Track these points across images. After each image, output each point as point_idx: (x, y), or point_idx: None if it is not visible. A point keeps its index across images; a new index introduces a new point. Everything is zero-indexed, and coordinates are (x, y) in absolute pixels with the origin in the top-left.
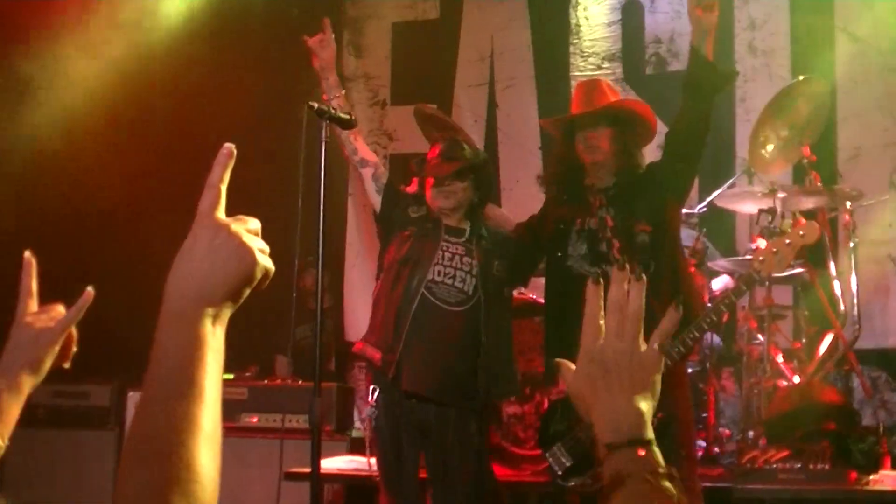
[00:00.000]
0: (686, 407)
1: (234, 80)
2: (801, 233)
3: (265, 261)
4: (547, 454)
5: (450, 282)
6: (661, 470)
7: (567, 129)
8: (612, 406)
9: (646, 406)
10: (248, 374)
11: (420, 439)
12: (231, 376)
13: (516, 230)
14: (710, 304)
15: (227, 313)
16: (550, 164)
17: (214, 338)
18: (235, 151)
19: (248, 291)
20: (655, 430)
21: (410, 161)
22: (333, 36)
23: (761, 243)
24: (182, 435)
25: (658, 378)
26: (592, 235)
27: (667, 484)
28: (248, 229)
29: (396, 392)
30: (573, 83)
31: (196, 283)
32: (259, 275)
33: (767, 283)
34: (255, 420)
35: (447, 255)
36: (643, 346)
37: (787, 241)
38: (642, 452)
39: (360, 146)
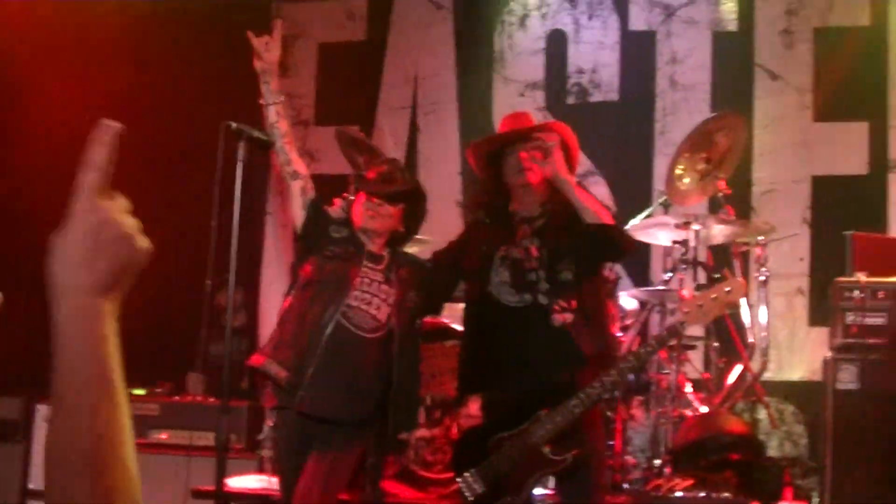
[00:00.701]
0: (601, 441)
1: (158, 95)
2: (727, 289)
3: (143, 241)
4: (459, 480)
5: (365, 308)
6: None
7: (493, 154)
8: None
9: None
10: (159, 390)
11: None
12: (143, 392)
13: (434, 257)
14: (632, 350)
15: (117, 304)
16: (474, 189)
17: (114, 330)
18: (120, 130)
19: (133, 278)
20: (573, 464)
21: (349, 176)
22: (280, 41)
23: (686, 293)
24: (114, 438)
25: None
26: (517, 265)
27: None
28: (125, 209)
29: (299, 413)
30: (495, 109)
31: (86, 272)
32: (143, 257)
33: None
34: (164, 436)
35: (366, 280)
36: None
37: (714, 295)
38: None
39: (293, 157)
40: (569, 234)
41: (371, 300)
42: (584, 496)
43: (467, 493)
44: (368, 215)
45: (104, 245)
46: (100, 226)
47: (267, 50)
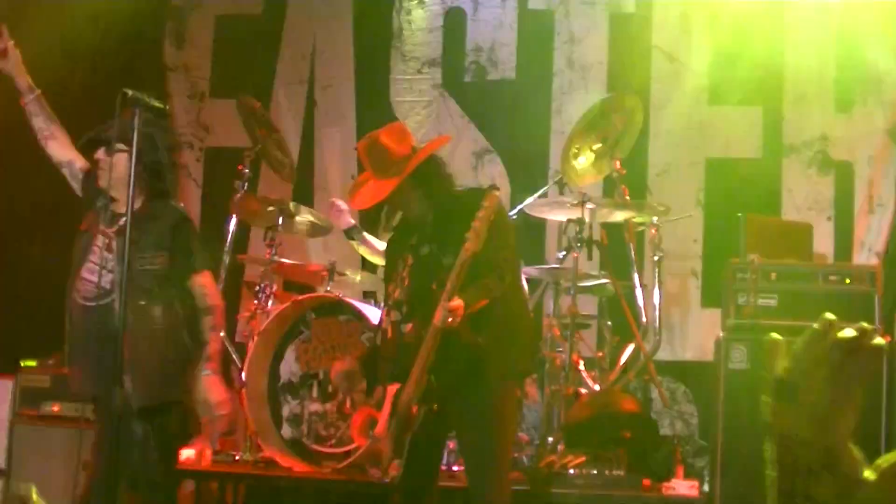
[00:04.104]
0: (510, 416)
1: (51, 66)
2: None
3: None
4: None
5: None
6: None
7: None
8: None
9: None
10: (51, 361)
11: None
12: (34, 363)
13: None
14: None
15: None
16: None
17: None
18: None
19: None
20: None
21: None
22: (13, 42)
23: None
24: None
25: None
26: (415, 272)
27: None
28: None
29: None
30: (392, 86)
31: None
32: None
33: (572, 291)
34: (56, 409)
35: (96, 248)
36: None
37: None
38: None
39: (52, 152)
40: (462, 217)
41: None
42: (483, 464)
43: None
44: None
45: None
46: None
47: (4, 58)
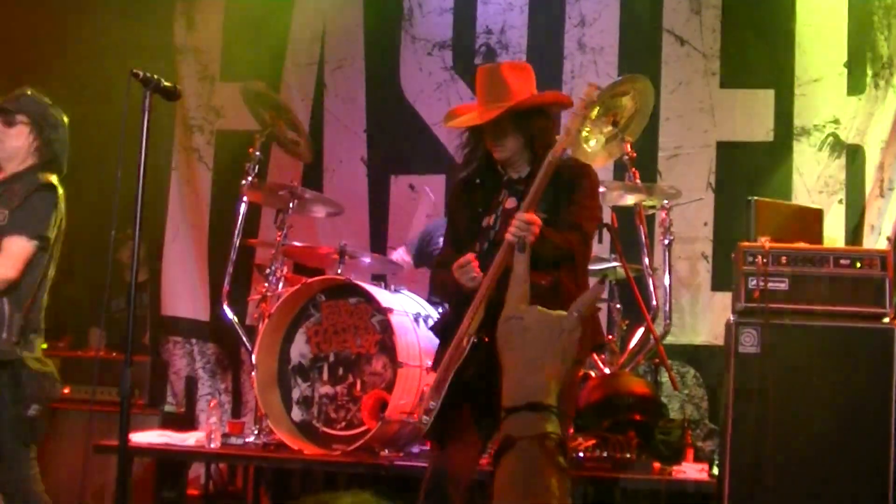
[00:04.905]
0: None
1: (56, 45)
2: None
3: None
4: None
5: None
6: (553, 436)
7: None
8: (518, 367)
9: (553, 372)
10: (60, 344)
11: None
12: (44, 346)
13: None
14: None
15: None
16: (463, 146)
17: None
18: None
19: None
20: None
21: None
22: None
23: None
24: None
25: (574, 345)
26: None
27: (557, 452)
28: None
29: None
30: (402, 68)
31: None
32: None
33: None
34: (66, 391)
35: None
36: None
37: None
38: (539, 417)
39: None
40: (552, 186)
41: None
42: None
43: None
44: None
45: None
46: None
47: None
